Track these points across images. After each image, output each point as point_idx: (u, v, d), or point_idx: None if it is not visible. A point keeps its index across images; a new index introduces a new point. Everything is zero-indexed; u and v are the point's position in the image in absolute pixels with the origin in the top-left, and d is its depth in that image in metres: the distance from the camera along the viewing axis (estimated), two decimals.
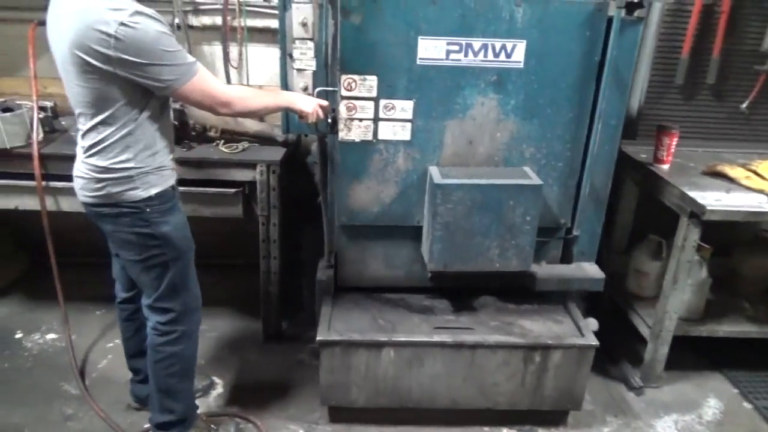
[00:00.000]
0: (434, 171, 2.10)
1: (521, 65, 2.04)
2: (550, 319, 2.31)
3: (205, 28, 2.90)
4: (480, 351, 2.14)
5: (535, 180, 2.06)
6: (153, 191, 1.79)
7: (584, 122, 2.14)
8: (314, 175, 2.41)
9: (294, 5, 2.01)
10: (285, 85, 2.12)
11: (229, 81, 2.96)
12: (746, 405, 2.48)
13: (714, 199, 2.20)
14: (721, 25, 2.64)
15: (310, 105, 1.94)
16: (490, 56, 2.03)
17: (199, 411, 2.17)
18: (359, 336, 2.14)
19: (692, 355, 2.72)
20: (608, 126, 2.15)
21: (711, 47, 2.69)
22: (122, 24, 1.51)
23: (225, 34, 2.85)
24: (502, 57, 2.03)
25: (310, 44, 2.07)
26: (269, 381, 2.52)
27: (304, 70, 2.09)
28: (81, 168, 1.79)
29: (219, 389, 2.46)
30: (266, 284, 2.66)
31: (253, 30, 2.89)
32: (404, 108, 2.08)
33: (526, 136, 2.15)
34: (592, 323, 2.28)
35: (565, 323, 2.30)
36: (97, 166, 1.74)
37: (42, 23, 2.58)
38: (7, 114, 2.37)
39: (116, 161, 1.73)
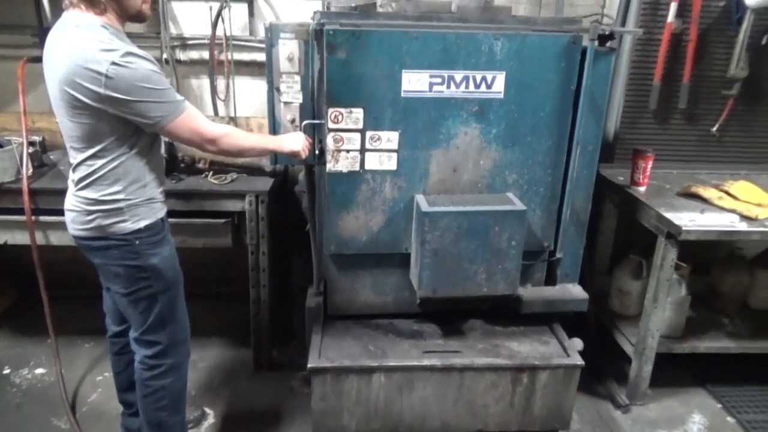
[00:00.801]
0: (421, 199, 2.15)
1: (501, 95, 2.11)
2: (536, 340, 2.36)
3: (193, 63, 2.97)
4: (469, 373, 2.18)
5: (519, 206, 2.13)
6: (142, 223, 1.81)
7: (563, 148, 2.22)
8: (302, 204, 2.45)
9: (281, 41, 2.08)
10: (272, 117, 2.18)
11: (216, 113, 3.02)
12: (729, 419, 2.54)
13: (689, 220, 2.28)
14: (690, 53, 2.76)
15: (299, 143, 2.02)
16: (472, 87, 2.10)
17: None
18: (350, 362, 2.17)
19: (676, 371, 2.78)
20: (586, 151, 2.23)
21: (681, 74, 2.80)
22: (114, 63, 1.56)
23: (212, 68, 2.91)
24: (483, 88, 2.10)
25: (297, 78, 2.13)
26: (261, 410, 2.52)
27: (291, 102, 2.16)
28: (72, 201, 1.82)
29: (211, 419, 2.46)
30: (256, 313, 2.68)
31: (239, 63, 2.96)
32: (390, 139, 2.14)
33: (508, 163, 2.21)
34: (577, 343, 2.33)
35: (551, 344, 2.35)
36: (88, 199, 1.76)
37: (31, 60, 2.66)
38: None
39: (106, 193, 1.75)
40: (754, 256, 2.91)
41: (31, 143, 2.57)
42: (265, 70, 2.13)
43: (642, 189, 2.62)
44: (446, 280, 2.13)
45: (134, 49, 1.63)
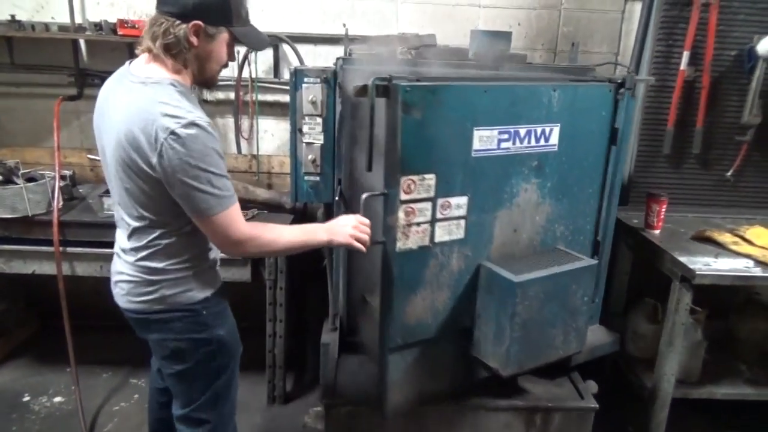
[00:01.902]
0: (496, 268, 1.94)
1: (556, 148, 2.03)
2: (550, 382, 2.35)
3: (218, 102, 3.09)
4: (482, 413, 2.18)
5: (588, 260, 2.06)
6: (209, 291, 1.67)
7: (598, 196, 2.21)
8: None
9: (304, 85, 2.18)
10: (294, 156, 2.25)
11: (240, 151, 3.13)
12: None
13: (703, 264, 2.29)
14: (703, 100, 2.81)
15: (346, 233, 1.70)
16: (533, 142, 1.98)
17: None
18: (363, 398, 2.18)
19: (694, 417, 2.74)
20: (613, 196, 2.24)
21: (694, 120, 2.85)
22: (173, 133, 1.40)
23: (237, 108, 3.03)
24: (542, 141, 2.00)
25: (319, 120, 2.22)
26: None
27: (313, 143, 2.23)
28: (126, 270, 1.63)
29: None
30: (272, 347, 2.72)
31: (263, 104, 3.08)
32: (459, 204, 1.90)
33: (558, 216, 2.15)
34: (592, 386, 2.32)
35: (565, 386, 2.33)
36: (150, 268, 1.59)
37: (67, 99, 2.80)
38: (31, 184, 2.51)
39: (172, 262, 1.60)
40: None
41: (62, 177, 2.69)
42: (288, 111, 2.22)
43: (656, 232, 2.64)
44: (531, 352, 1.96)
45: (200, 115, 1.47)
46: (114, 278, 1.69)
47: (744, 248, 2.45)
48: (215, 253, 1.73)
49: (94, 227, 2.51)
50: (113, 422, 2.63)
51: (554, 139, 2.01)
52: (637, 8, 2.94)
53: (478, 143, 1.86)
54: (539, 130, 1.97)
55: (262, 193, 2.73)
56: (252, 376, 2.95)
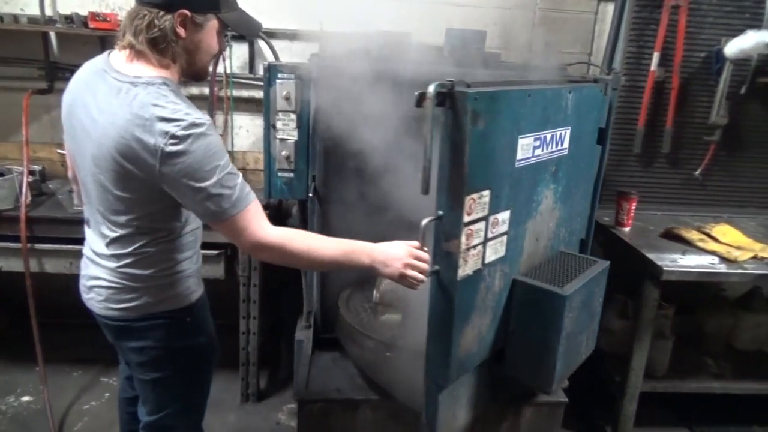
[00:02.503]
0: (539, 283, 1.80)
1: (566, 151, 1.91)
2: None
3: (192, 98, 3.02)
4: None
5: (602, 261, 2.01)
6: (194, 297, 1.59)
7: (590, 196, 2.21)
8: None
9: (278, 81, 2.17)
10: (268, 152, 2.25)
11: None
12: None
13: (670, 261, 2.35)
14: (672, 100, 2.87)
15: (397, 267, 1.53)
16: (554, 147, 1.85)
17: None
18: (336, 395, 2.18)
19: (662, 411, 2.80)
20: (596, 195, 2.25)
21: (664, 120, 2.91)
22: (174, 137, 1.29)
23: (212, 104, 3.01)
24: (559, 146, 1.88)
25: (293, 116, 2.22)
26: None
27: (287, 139, 2.23)
28: (106, 276, 1.51)
29: None
30: (246, 345, 2.71)
31: (239, 100, 3.05)
32: (503, 220, 1.70)
33: (563, 220, 2.07)
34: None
35: None
36: (136, 275, 1.49)
37: (36, 93, 2.74)
38: None
39: (159, 269, 1.50)
40: (737, 297, 2.96)
41: (31, 172, 2.64)
42: (263, 107, 2.21)
43: (626, 230, 2.69)
44: (568, 363, 1.87)
45: (198, 116, 1.35)
46: (88, 283, 1.56)
47: (710, 245, 2.51)
48: (199, 257, 1.65)
49: (63, 223, 2.47)
50: (83, 421, 2.59)
51: (566, 142, 1.90)
52: (610, 9, 2.99)
53: (520, 152, 1.69)
54: (558, 134, 1.85)
55: None
56: (226, 373, 2.93)
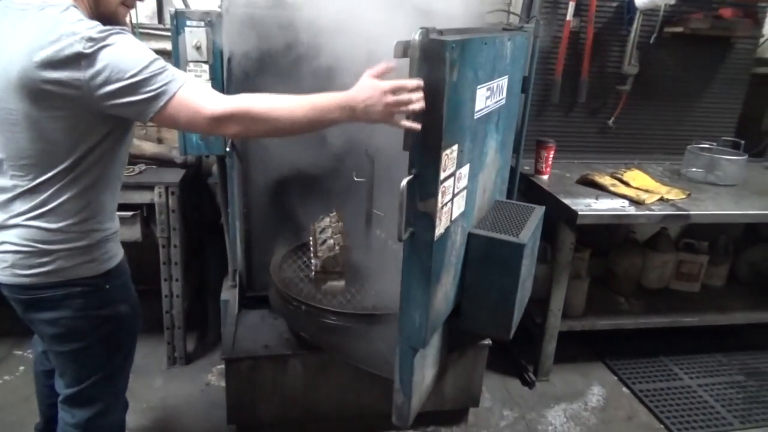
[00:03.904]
0: (495, 234, 1.78)
1: (504, 101, 1.89)
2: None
3: None
4: None
5: (539, 207, 2.07)
6: (113, 263, 1.48)
7: (515, 145, 2.23)
8: (216, 196, 2.43)
9: (187, 29, 2.05)
10: None
11: None
12: (625, 390, 2.75)
13: (585, 205, 2.45)
14: (587, 50, 2.94)
15: (378, 110, 1.33)
16: (497, 96, 1.81)
17: None
18: (265, 351, 2.17)
19: (578, 348, 2.98)
20: (520, 144, 2.28)
21: (580, 70, 2.99)
22: (91, 39, 1.21)
23: None
24: (500, 95, 1.84)
25: (205, 67, 2.11)
26: (176, 406, 2.48)
27: None
28: (11, 239, 1.37)
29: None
30: (169, 308, 2.63)
31: None
32: (464, 174, 1.64)
33: (499, 170, 2.08)
34: None
35: None
36: (44, 230, 1.35)
37: None
38: None
39: (71, 222, 1.37)
40: (646, 239, 3.15)
41: None
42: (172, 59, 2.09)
43: (545, 177, 2.78)
44: (520, 308, 1.93)
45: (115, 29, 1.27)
46: None
47: (621, 189, 2.64)
48: (117, 220, 1.54)
49: None
50: None
51: (504, 91, 1.87)
52: None
53: (478, 104, 1.63)
54: (500, 84, 1.81)
55: (150, 148, 2.57)
56: (150, 339, 2.84)
